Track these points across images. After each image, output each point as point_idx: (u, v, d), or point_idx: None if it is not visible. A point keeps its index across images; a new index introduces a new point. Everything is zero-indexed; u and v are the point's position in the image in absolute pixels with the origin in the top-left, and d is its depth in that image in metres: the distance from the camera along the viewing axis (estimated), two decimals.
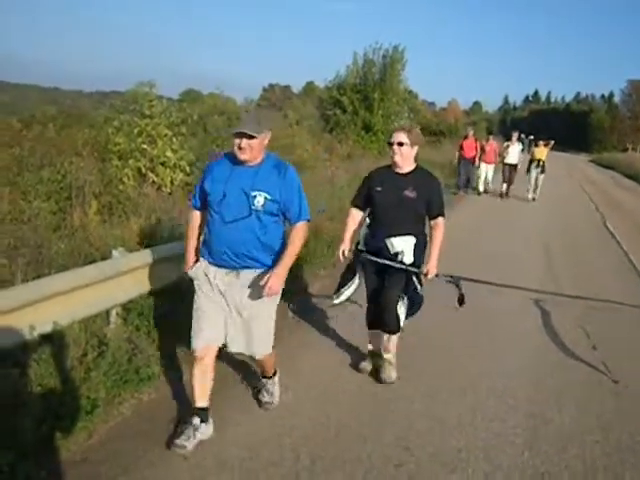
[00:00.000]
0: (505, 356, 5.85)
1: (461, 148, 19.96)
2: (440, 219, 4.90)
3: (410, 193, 4.70)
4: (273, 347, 4.21)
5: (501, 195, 20.01)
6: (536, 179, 19.54)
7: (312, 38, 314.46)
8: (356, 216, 5.21)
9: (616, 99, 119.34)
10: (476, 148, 19.78)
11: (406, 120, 26.45)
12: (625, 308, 7.73)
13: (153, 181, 10.52)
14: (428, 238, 4.98)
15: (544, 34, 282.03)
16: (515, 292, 8.05)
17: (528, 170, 19.83)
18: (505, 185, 20.03)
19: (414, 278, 4.87)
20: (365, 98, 25.05)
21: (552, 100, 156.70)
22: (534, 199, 19.56)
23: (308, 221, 4.04)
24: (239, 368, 5.11)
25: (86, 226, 7.39)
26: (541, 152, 19.82)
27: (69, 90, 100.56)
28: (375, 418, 4.42)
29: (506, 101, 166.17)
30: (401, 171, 4.83)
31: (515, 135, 20.35)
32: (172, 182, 10.81)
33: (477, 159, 19.83)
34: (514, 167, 19.77)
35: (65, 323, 4.37)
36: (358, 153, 21.70)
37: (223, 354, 4.59)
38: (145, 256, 5.48)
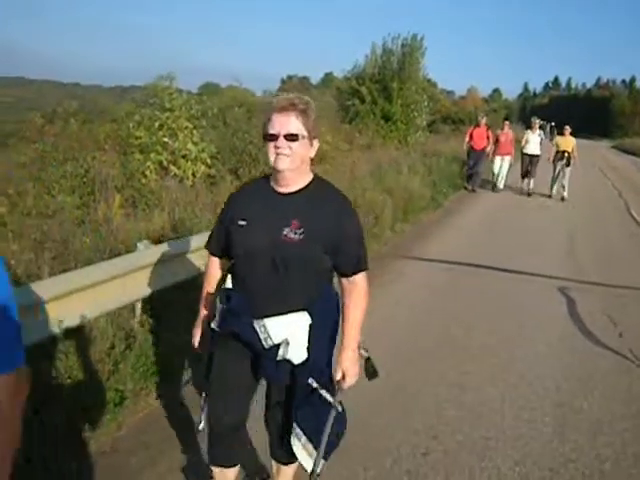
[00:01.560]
0: (533, 343, 5.82)
1: (470, 138, 17.17)
2: (358, 278, 2.78)
3: (292, 232, 2.53)
4: None
5: (523, 192, 17.34)
6: (560, 173, 16.64)
7: (330, 29, 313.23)
8: (217, 269, 3.00)
9: (638, 84, 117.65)
10: (488, 138, 17.13)
11: (425, 109, 26.29)
12: None
13: (175, 174, 10.56)
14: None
15: (563, 20, 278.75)
16: (540, 279, 8.02)
17: (553, 161, 16.79)
18: (526, 180, 17.39)
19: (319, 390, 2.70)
20: (384, 88, 24.87)
21: (573, 86, 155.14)
22: (563, 198, 16.39)
23: None
24: None
25: (110, 220, 7.44)
26: (567, 142, 16.68)
27: (89, 85, 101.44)
28: (403, 408, 4.41)
29: (526, 88, 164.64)
30: (286, 189, 2.63)
31: (536, 122, 17.47)
32: (194, 174, 10.84)
33: (490, 151, 17.29)
34: (535, 158, 16.96)
35: (92, 316, 4.40)
36: (378, 143, 21.61)
37: None
38: (170, 248, 5.50)
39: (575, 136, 16.77)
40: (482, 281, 7.82)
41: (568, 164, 16.44)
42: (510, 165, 17.90)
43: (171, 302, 5.45)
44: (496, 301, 7.04)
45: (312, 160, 2.67)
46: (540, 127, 18.04)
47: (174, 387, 4.54)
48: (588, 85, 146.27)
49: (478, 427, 4.18)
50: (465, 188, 17.39)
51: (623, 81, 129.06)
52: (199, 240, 5.99)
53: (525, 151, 17.29)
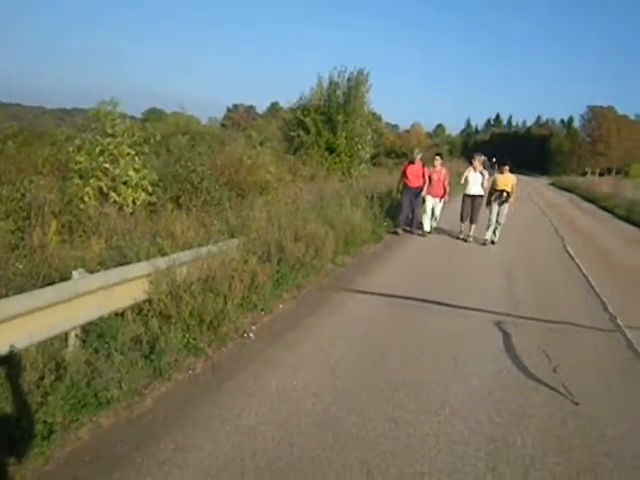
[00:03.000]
0: (468, 378, 5.85)
1: (404, 175, 15.22)
2: None
3: None
4: None
5: (460, 236, 15.36)
6: (497, 215, 14.84)
7: (278, 59, 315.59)
8: None
9: (576, 124, 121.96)
10: (424, 175, 15.09)
11: (369, 142, 26.67)
12: (584, 330, 7.85)
13: (115, 200, 10.40)
14: None
15: (505, 58, 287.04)
16: (477, 314, 8.13)
17: (488, 203, 15.05)
18: (464, 224, 15.30)
19: None
20: (329, 120, 25.18)
21: (513, 124, 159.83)
22: (493, 242, 14.96)
23: None
24: (207, 389, 5.07)
25: (45, 246, 7.27)
26: (506, 180, 14.85)
27: (31, 106, 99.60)
28: (338, 441, 4.38)
29: (468, 124, 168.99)
30: None
31: (479, 159, 15.49)
32: (134, 202, 10.69)
33: (424, 189, 15.23)
34: (478, 200, 15.05)
35: (22, 346, 4.28)
36: (322, 174, 21.77)
37: (196, 375, 4.55)
38: (106, 277, 5.42)
39: (515, 172, 15.72)
40: (420, 315, 7.88)
41: (506, 202, 14.77)
42: (442, 207, 15.97)
43: (109, 331, 5.35)
44: (433, 335, 7.09)
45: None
46: (487, 163, 17.24)
47: (108, 419, 4.45)
48: (528, 123, 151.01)
49: (412, 462, 4.17)
50: (396, 233, 15.04)
51: (562, 120, 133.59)
52: (138, 269, 5.95)
53: (466, 192, 15.19)
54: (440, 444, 4.48)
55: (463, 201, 15.30)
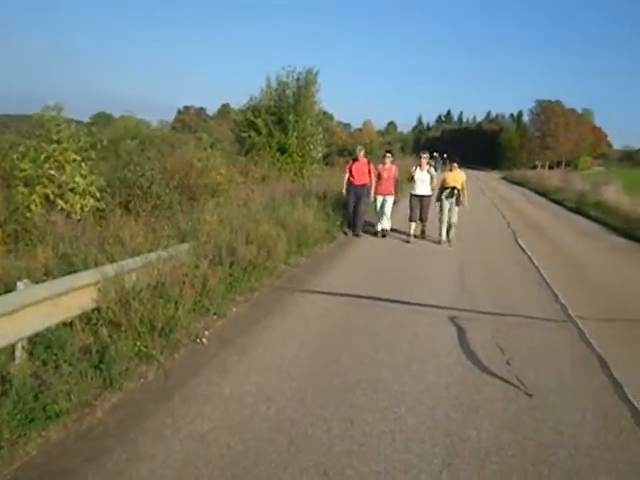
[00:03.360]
0: (423, 374, 5.88)
1: (350, 173, 14.66)
2: None
3: None
4: None
5: (408, 241, 14.46)
6: (449, 214, 14.44)
7: (229, 60, 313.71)
8: None
9: (525, 118, 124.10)
10: (370, 173, 14.56)
11: (321, 142, 26.71)
12: (537, 322, 7.98)
13: (62, 208, 10.19)
14: None
15: (455, 54, 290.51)
16: (432, 310, 8.20)
17: (438, 200, 14.72)
18: (413, 224, 14.62)
19: None
20: (280, 120, 25.13)
21: (464, 119, 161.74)
22: (449, 242, 14.49)
23: None
24: (159, 397, 5.00)
25: None
26: (455, 177, 14.60)
27: None
28: (294, 444, 4.36)
29: (420, 121, 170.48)
30: None
31: (425, 156, 15.02)
32: (82, 208, 10.50)
33: (372, 188, 14.66)
34: (426, 200, 14.72)
35: None
36: (274, 175, 21.71)
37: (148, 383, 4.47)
38: (52, 287, 5.31)
39: (467, 167, 15.96)
40: (375, 313, 7.91)
41: (457, 202, 14.41)
42: (393, 205, 15.24)
43: (57, 342, 5.23)
44: (389, 332, 7.11)
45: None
46: (433, 160, 16.99)
47: (57, 433, 4.35)
48: (479, 119, 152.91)
49: (368, 461, 4.17)
50: (345, 233, 14.72)
51: (511, 115, 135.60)
52: (86, 277, 5.83)
53: (413, 192, 14.81)
54: (396, 442, 4.49)
55: (411, 201, 14.89)
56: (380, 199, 14.86)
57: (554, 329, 7.77)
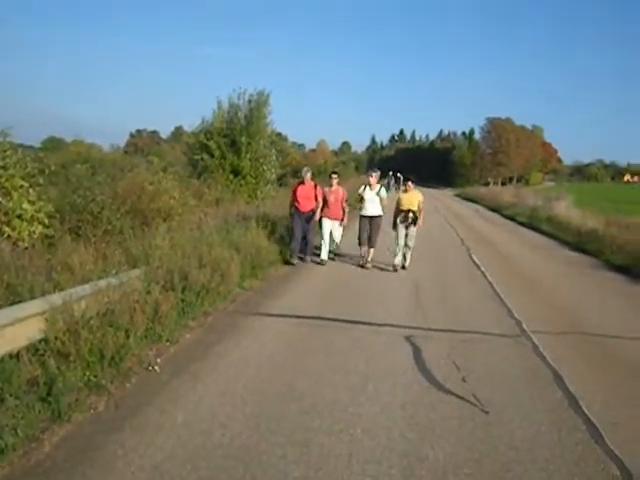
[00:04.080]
0: (379, 395, 5.86)
1: (294, 197, 13.48)
2: None
3: None
4: None
5: (362, 264, 13.48)
6: (406, 238, 13.22)
7: (182, 82, 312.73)
8: None
9: (477, 136, 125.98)
10: (316, 197, 13.40)
11: (275, 163, 26.73)
12: (492, 338, 8.06)
13: (9, 235, 9.97)
14: None
15: (407, 75, 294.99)
16: (387, 329, 8.21)
17: (394, 226, 13.50)
18: (363, 248, 13.42)
19: None
20: (232, 142, 25.09)
21: (417, 138, 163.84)
22: (404, 266, 13.37)
23: None
24: (110, 428, 4.87)
25: None
26: (411, 198, 13.26)
27: None
28: (248, 471, 4.28)
29: (373, 141, 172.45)
30: None
31: (374, 175, 13.87)
32: (30, 235, 10.29)
33: (317, 212, 13.48)
34: (375, 222, 13.36)
35: None
36: (228, 198, 21.61)
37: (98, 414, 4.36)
38: None
39: (421, 185, 15.34)
40: (331, 334, 7.87)
41: (414, 224, 13.18)
42: (343, 230, 14.47)
43: (2, 375, 5.07)
44: (344, 353, 7.09)
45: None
46: (382, 179, 16.83)
47: (2, 469, 4.19)
48: (431, 137, 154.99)
49: None
50: (287, 262, 13.14)
51: (463, 133, 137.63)
52: (32, 307, 5.69)
53: (362, 212, 13.52)
54: (352, 464, 4.46)
55: (360, 223, 13.54)
56: (328, 224, 13.72)
57: (509, 344, 7.85)
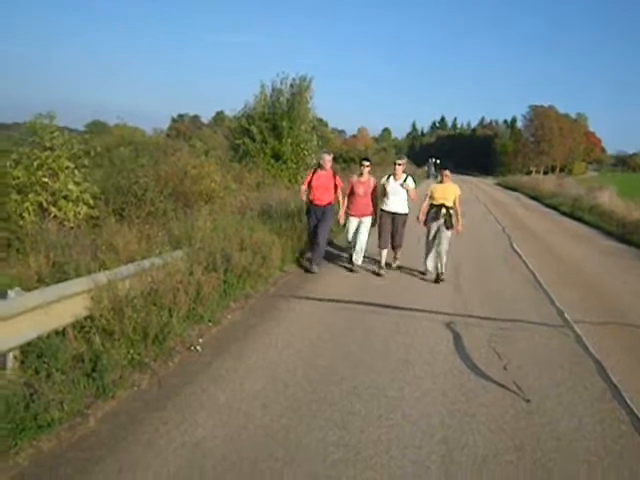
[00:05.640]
0: (419, 380, 5.85)
1: (309, 187, 10.95)
2: None
3: None
4: None
5: (377, 272, 10.92)
6: (438, 239, 10.72)
7: (223, 68, 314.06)
8: None
9: (519, 124, 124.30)
10: (336, 188, 10.96)
11: (315, 148, 26.68)
12: (533, 326, 7.97)
13: (55, 215, 10.14)
14: None
15: (448, 61, 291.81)
16: (428, 316, 8.18)
17: (425, 222, 10.97)
18: (384, 251, 11.04)
19: None
20: (274, 127, 25.09)
21: (458, 126, 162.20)
22: (439, 276, 10.66)
23: None
24: (153, 406, 4.94)
25: None
26: (446, 191, 10.75)
27: None
28: (288, 452, 4.30)
29: (414, 127, 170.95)
30: None
31: (401, 162, 11.29)
32: (75, 216, 10.45)
33: (342, 207, 11.19)
34: (400, 219, 11.13)
35: None
36: (268, 182, 21.64)
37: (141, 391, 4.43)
38: (44, 295, 5.25)
39: (462, 174, 13.38)
40: (371, 319, 7.86)
41: (449, 225, 10.65)
42: (369, 229, 11.25)
43: (49, 351, 5.17)
44: (384, 338, 7.07)
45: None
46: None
47: (49, 442, 4.28)
48: (473, 124, 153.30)
49: (363, 469, 4.13)
50: (305, 268, 10.89)
51: (505, 121, 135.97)
52: (78, 285, 5.77)
53: (384, 207, 11.19)
54: (392, 449, 4.45)
55: (380, 220, 11.21)
56: (354, 222, 11.16)
57: (551, 333, 7.76)
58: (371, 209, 11.17)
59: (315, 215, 10.88)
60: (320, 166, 11.08)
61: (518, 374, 6.13)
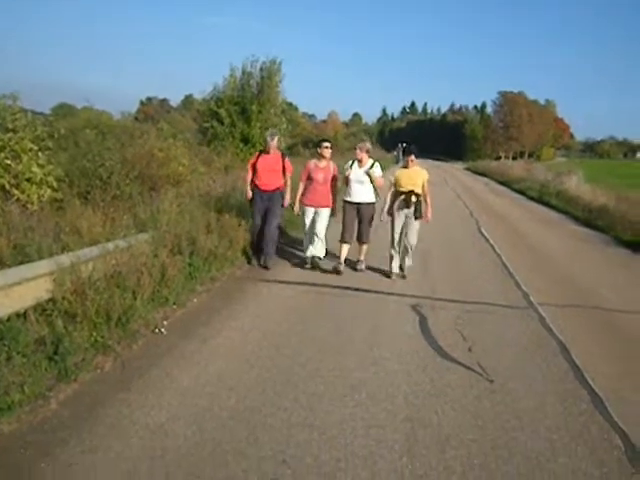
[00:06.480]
0: (385, 362, 5.88)
1: (253, 171, 9.78)
2: None
3: None
4: None
5: (337, 270, 9.59)
6: (402, 231, 9.64)
7: (192, 51, 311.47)
8: None
9: (489, 110, 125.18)
10: (284, 171, 9.79)
11: (285, 132, 26.59)
12: (498, 309, 8.06)
13: (18, 198, 9.97)
14: None
15: (418, 47, 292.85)
16: (393, 298, 8.23)
17: (389, 212, 9.79)
18: (345, 246, 9.79)
19: None
20: (243, 110, 24.98)
21: (428, 111, 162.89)
22: (402, 272, 9.79)
23: None
24: (116, 388, 4.91)
25: None
26: (412, 177, 9.56)
27: None
28: (253, 433, 4.31)
29: (384, 112, 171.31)
30: None
31: (363, 147, 9.74)
32: (39, 199, 10.28)
33: (296, 194, 9.89)
34: (366, 210, 9.68)
35: None
36: (237, 165, 21.52)
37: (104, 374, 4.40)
38: (4, 277, 5.18)
39: (432, 159, 12.02)
40: (338, 302, 7.89)
41: (418, 215, 9.51)
42: (328, 221, 9.93)
43: (9, 333, 5.09)
44: (350, 321, 7.10)
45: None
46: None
47: (10, 425, 4.23)
48: (443, 110, 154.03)
49: (328, 449, 4.15)
50: (248, 262, 9.74)
51: (475, 107, 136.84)
52: (40, 267, 5.70)
53: (346, 198, 9.78)
54: (356, 429, 4.47)
55: (344, 211, 9.85)
56: (310, 212, 9.85)
57: (516, 315, 7.85)
58: (330, 199, 9.80)
59: (261, 201, 9.65)
60: (264, 150, 9.91)
61: (482, 355, 6.19)
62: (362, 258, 10.01)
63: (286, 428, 4.43)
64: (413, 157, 9.69)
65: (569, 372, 5.96)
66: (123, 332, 5.85)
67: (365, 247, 9.96)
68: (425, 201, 9.57)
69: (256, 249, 9.78)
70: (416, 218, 9.48)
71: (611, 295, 9.37)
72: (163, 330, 6.28)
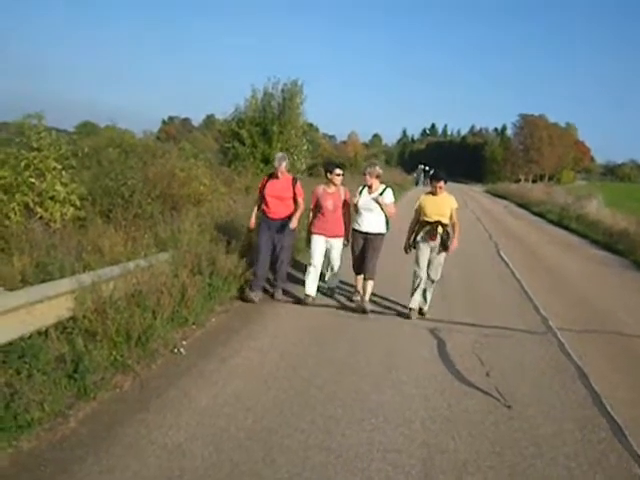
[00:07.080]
0: (402, 385, 5.87)
1: (262, 198, 9.01)
2: None
3: None
4: None
5: (355, 302, 8.99)
6: (429, 267, 8.51)
7: (214, 71, 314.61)
8: None
9: (509, 132, 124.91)
10: (295, 198, 8.83)
11: (305, 153, 26.69)
12: (516, 333, 8.01)
13: (41, 216, 10.08)
14: None
15: (440, 69, 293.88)
16: (411, 321, 8.20)
17: (411, 246, 8.68)
18: (359, 278, 9.05)
19: None
20: (264, 131, 25.07)
21: (448, 133, 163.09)
22: (421, 312, 8.67)
23: None
24: (134, 407, 4.94)
25: None
26: (441, 205, 8.39)
27: None
28: (269, 454, 4.31)
29: (405, 134, 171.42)
30: None
31: (373, 172, 8.61)
32: (62, 217, 10.39)
33: (295, 217, 8.69)
34: (375, 240, 8.63)
35: None
36: (257, 186, 21.62)
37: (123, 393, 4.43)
38: (27, 295, 5.24)
39: (452, 181, 11.29)
40: (355, 324, 7.89)
41: (445, 247, 8.40)
42: (341, 252, 9.07)
43: (30, 351, 5.14)
44: (367, 343, 7.09)
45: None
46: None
47: (29, 443, 4.26)
48: (463, 132, 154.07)
49: (344, 473, 4.14)
50: (242, 298, 8.58)
51: (495, 129, 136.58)
52: (62, 285, 5.76)
53: (356, 227, 8.81)
54: (373, 453, 4.46)
55: (352, 240, 8.92)
56: (320, 242, 8.87)
57: (534, 340, 7.80)
58: (343, 228, 8.93)
59: (268, 229, 8.77)
60: (273, 174, 8.97)
61: (500, 380, 6.16)
62: (367, 298, 8.66)
63: (303, 450, 4.42)
64: (442, 183, 8.35)
65: (587, 398, 5.92)
66: (142, 351, 5.89)
67: (371, 283, 8.64)
68: (453, 230, 8.49)
69: (256, 282, 8.72)
70: (443, 250, 8.41)
71: (630, 320, 9.30)
72: (182, 350, 6.31)
